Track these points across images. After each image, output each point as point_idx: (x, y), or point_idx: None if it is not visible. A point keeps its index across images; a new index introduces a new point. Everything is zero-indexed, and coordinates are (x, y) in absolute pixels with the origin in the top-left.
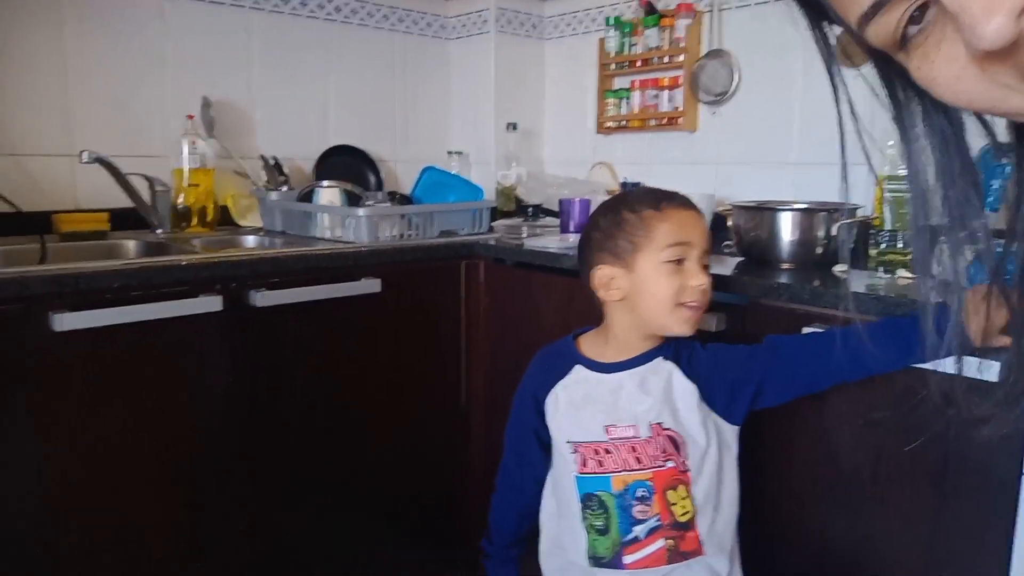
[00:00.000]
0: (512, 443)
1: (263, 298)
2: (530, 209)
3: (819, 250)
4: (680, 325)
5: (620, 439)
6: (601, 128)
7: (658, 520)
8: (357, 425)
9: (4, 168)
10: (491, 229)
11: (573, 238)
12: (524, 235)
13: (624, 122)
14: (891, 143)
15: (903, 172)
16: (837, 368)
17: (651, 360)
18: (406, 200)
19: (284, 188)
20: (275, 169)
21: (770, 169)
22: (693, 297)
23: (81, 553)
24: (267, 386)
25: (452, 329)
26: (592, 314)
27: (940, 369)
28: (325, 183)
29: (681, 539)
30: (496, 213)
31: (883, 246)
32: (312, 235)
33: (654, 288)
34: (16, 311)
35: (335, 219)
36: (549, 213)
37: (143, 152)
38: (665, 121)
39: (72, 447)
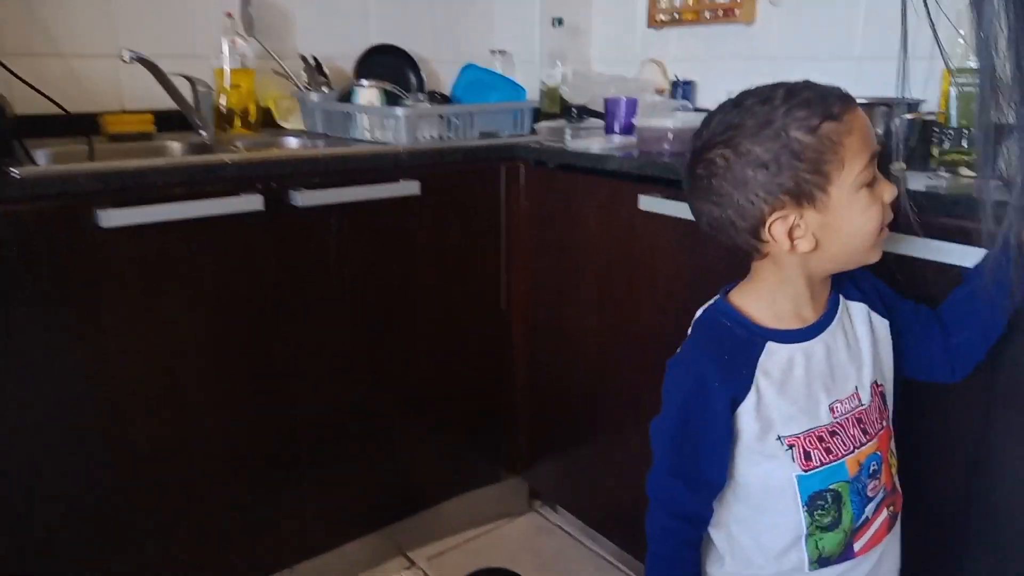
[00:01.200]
0: (684, 464)
1: (303, 198)
2: (574, 110)
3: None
4: (878, 253)
5: (844, 414)
6: (653, 21)
7: (884, 490)
8: (399, 325)
9: (51, 69)
10: (533, 131)
11: (619, 139)
12: (567, 136)
13: (677, 14)
14: (963, 32)
15: (973, 65)
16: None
17: (839, 304)
18: (446, 100)
19: (325, 89)
20: (316, 69)
21: (833, 62)
22: (888, 219)
23: (149, 452)
24: (310, 286)
25: (492, 233)
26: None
27: None
28: (365, 83)
29: (896, 500)
30: (540, 115)
31: (946, 145)
32: (353, 136)
33: (858, 223)
34: (63, 207)
35: (374, 120)
36: (594, 114)
37: (184, 52)
38: (721, 13)
39: (124, 343)
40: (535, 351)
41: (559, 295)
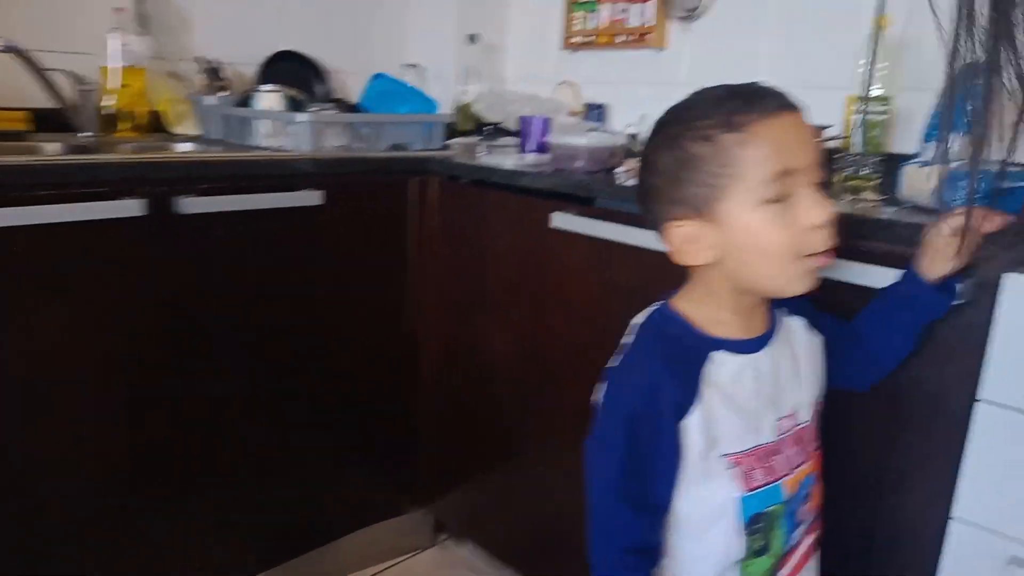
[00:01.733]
0: (633, 487)
1: (190, 204)
2: (488, 128)
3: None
4: (802, 282)
5: (787, 432)
6: (567, 43)
7: (812, 512)
8: (296, 345)
9: None
10: (446, 147)
11: (532, 157)
12: (480, 154)
13: (592, 37)
14: (862, 62)
15: (876, 93)
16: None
17: (779, 320)
18: (353, 109)
19: (223, 93)
20: (214, 73)
21: None
22: (819, 245)
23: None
24: (199, 300)
25: (399, 249)
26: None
27: None
28: (266, 87)
29: (820, 524)
30: (453, 131)
31: (848, 171)
32: (252, 144)
33: (760, 243)
34: None
35: (275, 126)
36: (509, 133)
37: (66, 47)
38: (634, 37)
39: None
40: (443, 375)
41: (469, 315)
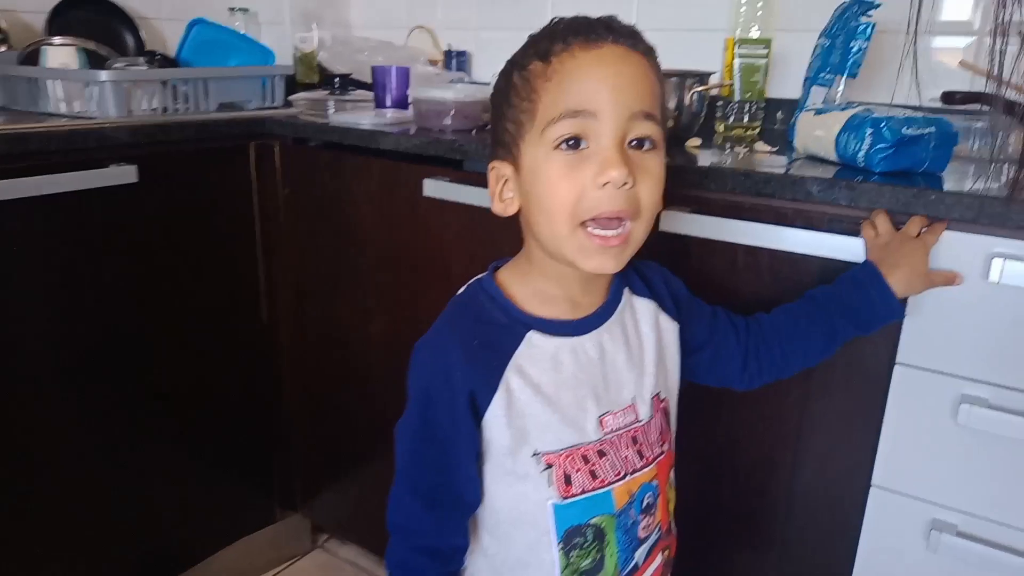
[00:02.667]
0: (425, 479)
1: None
2: (337, 80)
3: (670, 123)
4: (587, 259)
5: (617, 430)
6: None
7: (659, 530)
8: (130, 347)
9: None
10: (288, 104)
11: (392, 113)
12: (330, 110)
13: None
14: (744, 1)
15: (756, 35)
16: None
17: (621, 297)
18: (170, 63)
19: (1, 50)
20: None
21: None
22: (597, 207)
23: None
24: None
25: (244, 228)
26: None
27: None
28: (57, 40)
29: (671, 543)
30: (294, 85)
31: (731, 119)
32: (44, 111)
33: (542, 192)
34: None
35: (72, 88)
36: (360, 85)
37: None
38: None
39: None
40: (307, 366)
41: (336, 298)
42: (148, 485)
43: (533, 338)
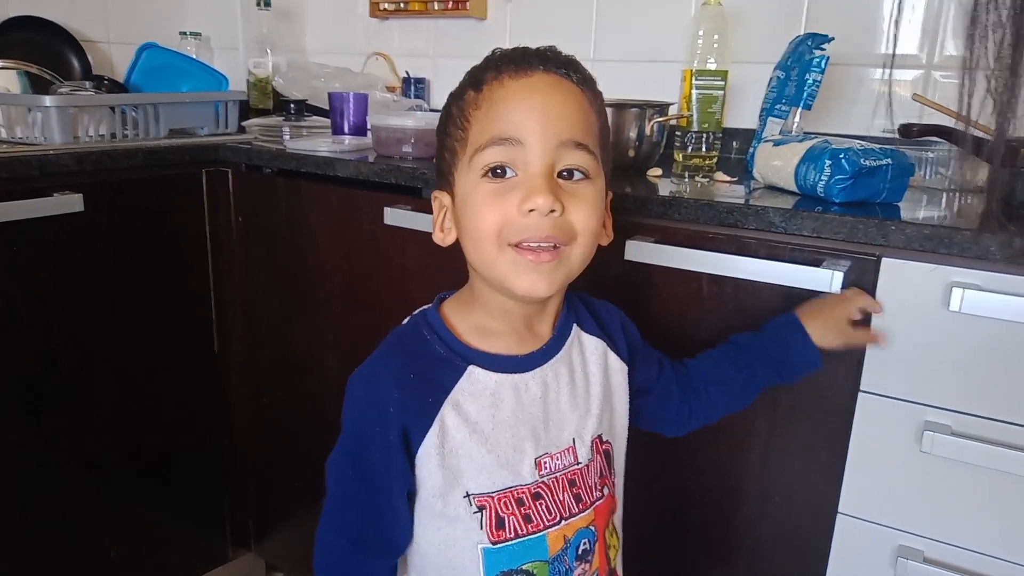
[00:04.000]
0: (354, 518)
1: None
2: (292, 105)
3: (631, 153)
4: (517, 278)
5: (554, 472)
6: (376, 11)
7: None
8: (73, 385)
9: None
10: (242, 130)
11: (350, 140)
12: (286, 137)
13: (403, 3)
14: (701, 32)
15: (712, 66)
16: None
17: (569, 333)
18: (119, 88)
19: None
20: None
21: None
22: (524, 231)
23: None
24: None
25: (196, 258)
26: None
27: None
28: None
29: None
30: (248, 111)
31: (690, 149)
32: None
33: (471, 219)
34: None
35: (14, 113)
36: (316, 111)
37: None
38: (450, 5)
39: None
40: (261, 399)
41: (288, 330)
42: (96, 525)
43: (474, 373)
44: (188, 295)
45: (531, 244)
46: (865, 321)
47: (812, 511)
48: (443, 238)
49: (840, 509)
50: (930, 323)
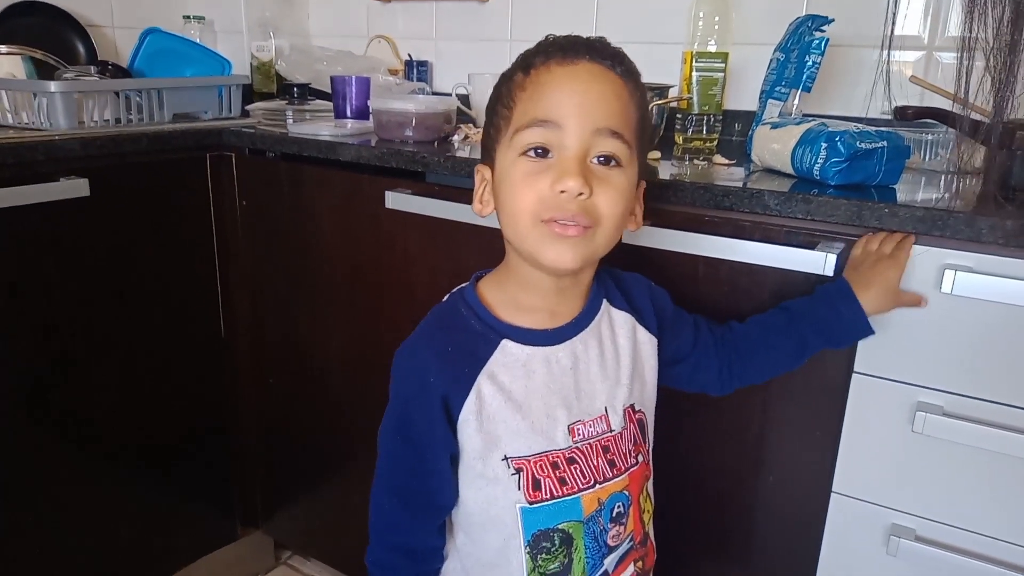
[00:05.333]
0: (401, 480)
1: None
2: (295, 89)
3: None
4: (545, 249)
5: (588, 439)
6: None
7: (631, 540)
8: (82, 368)
9: None
10: (245, 114)
11: (352, 124)
12: (289, 120)
13: None
14: (702, 14)
15: (713, 48)
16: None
17: (599, 308)
18: (123, 73)
19: None
20: None
21: None
22: (556, 209)
23: None
24: None
25: (201, 241)
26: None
27: None
28: (2, 48)
29: (646, 554)
30: (251, 95)
31: (690, 131)
32: None
33: (507, 195)
34: None
35: (19, 99)
36: (319, 94)
37: None
38: None
39: None
40: (267, 381)
41: (293, 313)
42: (106, 504)
43: (507, 346)
44: (193, 278)
45: (560, 221)
46: None
47: (806, 490)
48: (481, 209)
49: (834, 488)
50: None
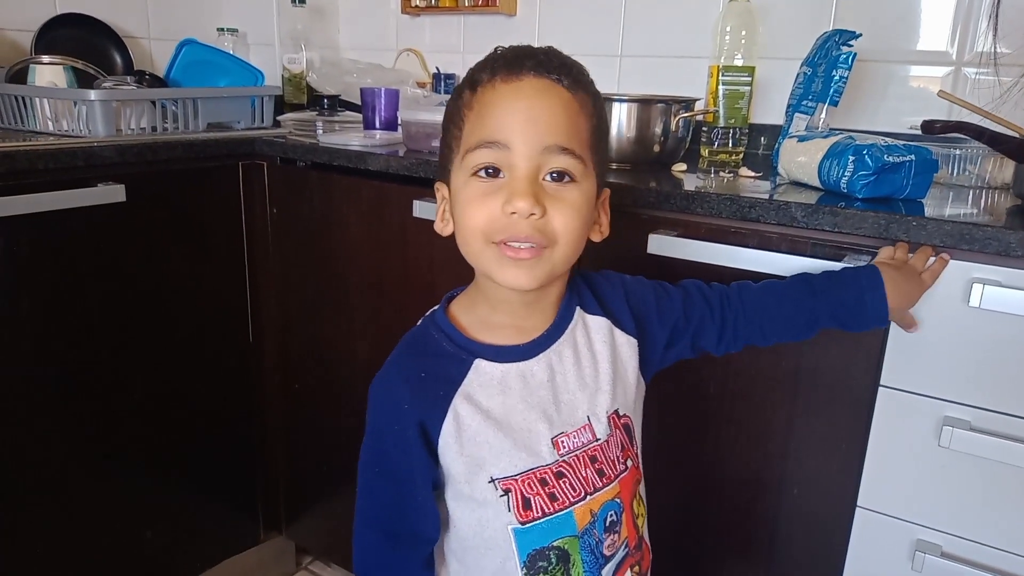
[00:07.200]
0: (382, 513)
1: None
2: (325, 100)
3: (656, 148)
4: (500, 271)
5: (574, 450)
6: (407, 8)
7: (626, 546)
8: (111, 370)
9: None
10: (276, 124)
11: (381, 135)
12: (319, 131)
13: (433, 1)
14: (728, 28)
15: (739, 62)
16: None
17: (572, 317)
18: (159, 83)
19: None
20: None
21: (596, 59)
22: (506, 231)
23: None
24: None
25: (232, 248)
26: (418, 235)
27: None
28: (46, 59)
29: (642, 557)
30: (283, 105)
31: (716, 144)
32: (31, 129)
33: (461, 216)
34: None
35: (60, 106)
36: (349, 106)
37: None
38: (480, 1)
39: None
40: (292, 387)
41: (320, 319)
42: (131, 506)
43: (481, 365)
44: (223, 283)
45: (512, 244)
46: None
47: (831, 504)
48: (443, 228)
49: (859, 503)
50: (950, 319)
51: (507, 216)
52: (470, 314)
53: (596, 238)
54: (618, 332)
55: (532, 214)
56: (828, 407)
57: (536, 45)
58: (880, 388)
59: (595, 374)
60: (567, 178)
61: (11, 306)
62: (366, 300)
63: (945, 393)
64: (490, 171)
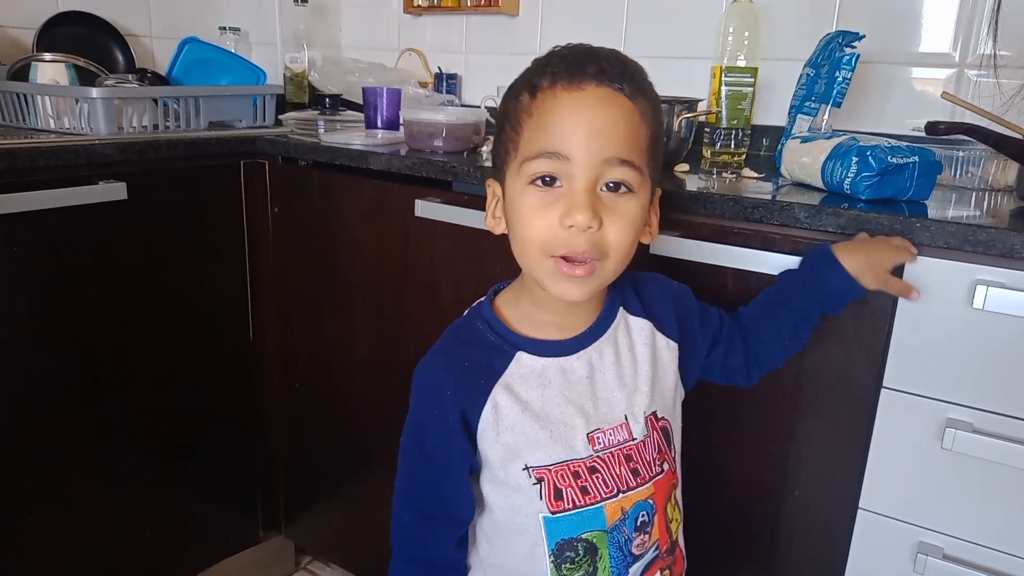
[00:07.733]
0: (419, 493)
1: None
2: (327, 100)
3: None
4: (554, 284)
5: (609, 447)
6: (409, 7)
7: (656, 548)
8: (110, 368)
9: None
10: (278, 123)
11: (383, 134)
12: (321, 130)
13: (435, 1)
14: (731, 29)
15: (742, 63)
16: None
17: (615, 316)
18: (161, 81)
19: None
20: None
21: None
22: (565, 246)
23: None
24: None
25: (232, 246)
26: (420, 234)
27: None
28: (47, 56)
29: (674, 563)
30: (284, 104)
31: (718, 145)
32: (32, 127)
33: (518, 224)
34: None
35: (62, 104)
36: (350, 105)
37: None
38: (482, 2)
39: None
40: (293, 386)
41: (320, 318)
42: (129, 505)
43: (522, 358)
44: (224, 281)
45: (568, 259)
46: (898, 272)
47: (833, 506)
48: (494, 225)
49: (861, 504)
50: (954, 320)
51: (565, 229)
52: (515, 308)
53: (646, 240)
54: (659, 335)
55: (590, 227)
56: (830, 408)
57: (545, 46)
58: (883, 389)
59: (634, 374)
60: (624, 188)
61: (11, 304)
62: (367, 299)
63: (948, 395)
64: (547, 179)
